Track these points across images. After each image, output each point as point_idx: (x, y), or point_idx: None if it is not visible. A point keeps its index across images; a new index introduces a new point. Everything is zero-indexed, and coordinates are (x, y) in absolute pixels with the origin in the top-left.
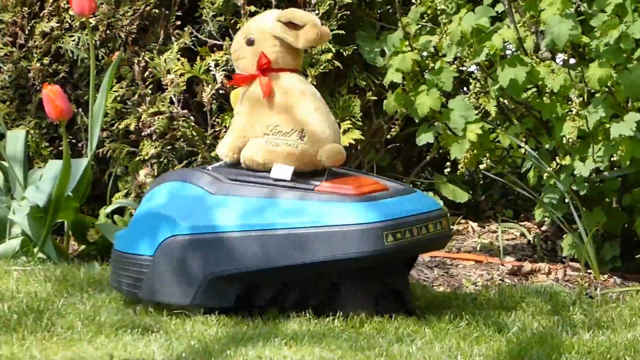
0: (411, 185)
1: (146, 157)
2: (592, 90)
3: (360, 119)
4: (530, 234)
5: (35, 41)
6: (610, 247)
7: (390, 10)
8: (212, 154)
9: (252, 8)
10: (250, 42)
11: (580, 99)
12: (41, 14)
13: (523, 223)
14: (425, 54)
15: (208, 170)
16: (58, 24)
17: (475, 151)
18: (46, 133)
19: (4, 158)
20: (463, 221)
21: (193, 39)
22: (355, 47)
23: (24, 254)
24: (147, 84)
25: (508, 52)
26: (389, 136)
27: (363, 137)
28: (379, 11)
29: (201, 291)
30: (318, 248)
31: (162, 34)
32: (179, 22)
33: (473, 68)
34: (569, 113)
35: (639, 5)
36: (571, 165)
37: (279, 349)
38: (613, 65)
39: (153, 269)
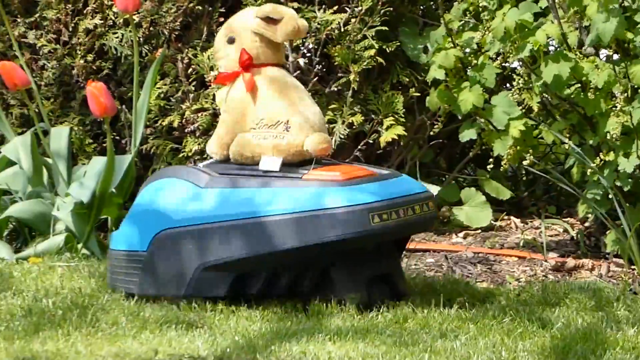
0: (454, 181)
1: (189, 154)
2: (636, 86)
3: (402, 116)
4: (573, 230)
5: (79, 38)
6: None
7: (433, 6)
8: None
9: (295, 4)
10: (231, 41)
11: (625, 94)
12: (85, 11)
13: (566, 219)
14: (468, 50)
15: (199, 167)
16: (102, 21)
17: (518, 147)
18: (90, 130)
19: (48, 155)
20: (506, 217)
21: None
22: (398, 44)
23: (68, 250)
24: (190, 80)
25: (551, 47)
26: (431, 133)
27: (406, 134)
28: (421, 7)
29: (194, 282)
30: (307, 232)
31: (205, 31)
32: (222, 19)
33: (516, 64)
34: (613, 109)
35: None
36: (615, 161)
37: (323, 344)
38: None
39: (147, 263)
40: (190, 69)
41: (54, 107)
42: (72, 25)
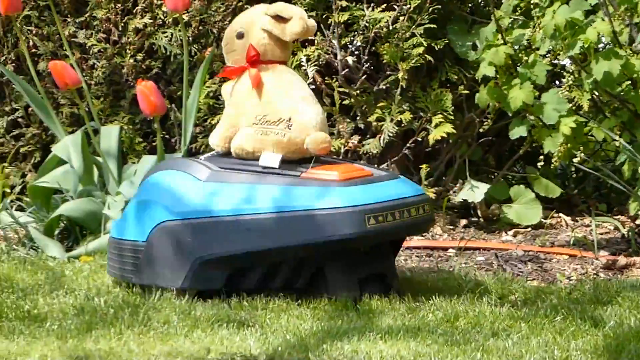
0: (502, 179)
1: None
2: None
3: (451, 113)
4: (624, 227)
5: (128, 37)
6: None
7: (482, 4)
8: None
9: (344, 3)
10: (240, 36)
11: None
12: (134, 11)
13: (617, 217)
14: (518, 47)
15: (200, 159)
16: (151, 20)
17: (568, 145)
18: (140, 129)
19: (99, 153)
20: (556, 215)
21: None
22: (447, 41)
23: None
24: None
25: (601, 45)
26: (481, 130)
27: (455, 131)
28: (470, 5)
29: (191, 275)
30: (303, 231)
31: None
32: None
33: (566, 61)
34: None
35: None
36: None
37: (374, 343)
38: None
39: (146, 254)
40: None
41: (104, 106)
42: (122, 24)
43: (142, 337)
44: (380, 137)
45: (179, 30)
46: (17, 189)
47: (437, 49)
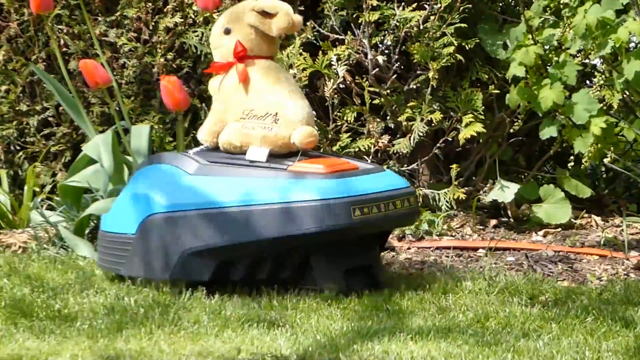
0: (532, 179)
1: None
2: None
3: (482, 113)
4: None
5: (159, 36)
6: None
7: (512, 3)
8: (334, 148)
9: (375, 2)
10: (227, 31)
11: None
12: (165, 10)
13: None
14: (548, 47)
15: (189, 154)
16: (182, 19)
17: (599, 145)
18: (170, 128)
19: (129, 153)
20: (586, 215)
21: (315, 33)
22: (478, 41)
23: None
24: None
25: (632, 44)
26: (511, 130)
27: (485, 131)
28: (500, 4)
29: (179, 266)
30: (287, 223)
31: None
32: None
33: (597, 61)
34: None
35: None
36: None
37: (404, 343)
38: None
39: (135, 246)
40: None
41: (134, 105)
42: (153, 23)
43: (172, 337)
44: (410, 136)
45: (210, 30)
46: (48, 188)
47: (467, 48)
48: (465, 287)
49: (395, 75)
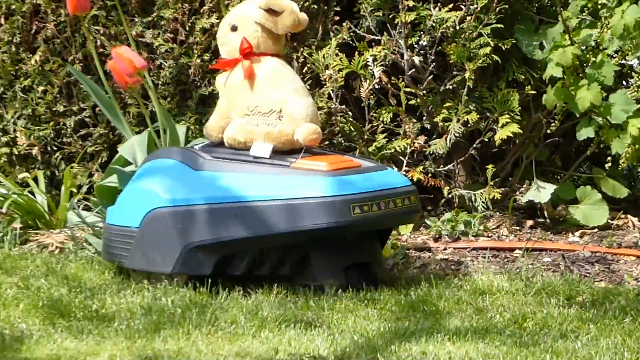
0: (568, 180)
1: None
2: None
3: (518, 114)
4: None
5: (195, 37)
6: None
7: (548, 3)
8: (370, 149)
9: (411, 3)
10: (234, 28)
11: None
12: (201, 10)
13: None
14: (585, 47)
15: (194, 149)
16: (218, 20)
17: (636, 146)
18: None
19: None
20: (623, 216)
21: (351, 34)
22: (514, 41)
23: None
24: (305, 79)
25: None
26: (548, 131)
27: (521, 132)
28: (536, 4)
29: (181, 260)
30: (288, 219)
31: (320, 30)
32: (337, 18)
33: (634, 61)
34: None
35: None
36: None
37: (442, 344)
38: None
39: (138, 240)
40: (306, 68)
41: (170, 106)
42: (189, 24)
43: (210, 337)
44: (446, 137)
45: None
46: (84, 188)
47: (504, 48)
48: (502, 288)
49: (431, 76)
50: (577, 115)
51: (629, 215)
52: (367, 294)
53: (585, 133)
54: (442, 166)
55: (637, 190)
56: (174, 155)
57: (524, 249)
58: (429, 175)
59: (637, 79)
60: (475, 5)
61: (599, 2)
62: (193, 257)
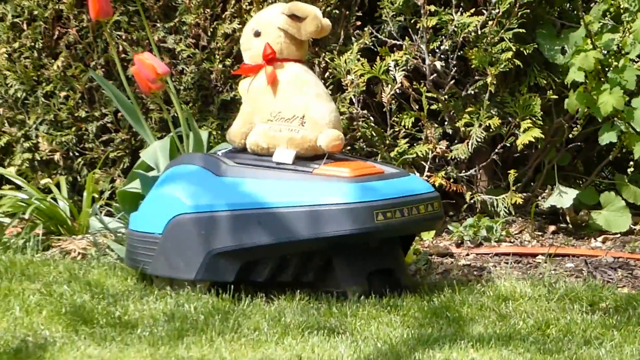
0: (591, 185)
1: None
2: None
3: (540, 118)
4: None
5: (217, 43)
6: None
7: (569, 8)
8: (392, 154)
9: (432, 7)
10: (257, 34)
11: None
12: (223, 16)
13: None
14: (607, 52)
15: (217, 155)
16: (240, 26)
17: None
18: None
19: None
20: None
21: (373, 39)
22: (536, 46)
23: None
24: (327, 84)
25: None
26: (570, 135)
27: (543, 136)
28: (558, 9)
29: (204, 267)
30: (311, 226)
31: (342, 35)
32: (359, 23)
33: None
34: None
35: None
36: None
37: (465, 351)
38: None
39: (161, 246)
40: (327, 73)
41: (192, 112)
42: (211, 29)
43: (233, 344)
44: (468, 142)
45: None
46: (107, 194)
47: (525, 53)
48: (525, 294)
49: (453, 81)
50: (600, 120)
51: None
52: (390, 300)
53: (607, 138)
54: (464, 171)
55: None
56: (196, 161)
57: (546, 255)
58: (451, 180)
59: None
60: (497, 10)
61: (621, 6)
62: (216, 263)
